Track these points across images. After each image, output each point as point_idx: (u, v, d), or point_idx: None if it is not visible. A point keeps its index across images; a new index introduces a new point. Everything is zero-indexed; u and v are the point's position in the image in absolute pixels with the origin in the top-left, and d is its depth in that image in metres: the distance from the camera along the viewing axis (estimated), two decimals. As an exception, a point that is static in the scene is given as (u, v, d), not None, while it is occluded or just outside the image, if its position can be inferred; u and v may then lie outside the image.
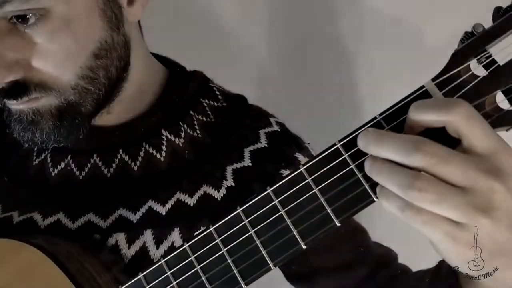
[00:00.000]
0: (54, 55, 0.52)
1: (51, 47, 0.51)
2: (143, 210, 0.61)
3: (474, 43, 0.41)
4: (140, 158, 0.63)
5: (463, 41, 0.42)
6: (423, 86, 0.42)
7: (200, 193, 0.62)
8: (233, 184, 0.62)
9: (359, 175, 0.42)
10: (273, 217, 0.44)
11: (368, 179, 0.41)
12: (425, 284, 0.57)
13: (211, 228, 0.46)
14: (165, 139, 0.63)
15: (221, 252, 0.45)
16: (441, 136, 0.39)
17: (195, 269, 0.46)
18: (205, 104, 0.67)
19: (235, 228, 0.45)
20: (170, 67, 0.70)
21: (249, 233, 0.45)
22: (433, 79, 0.42)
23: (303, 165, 0.44)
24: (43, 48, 0.51)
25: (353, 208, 0.42)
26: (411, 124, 0.40)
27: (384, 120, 0.42)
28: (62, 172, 0.64)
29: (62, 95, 0.54)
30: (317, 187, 0.43)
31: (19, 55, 0.51)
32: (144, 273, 0.48)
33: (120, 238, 0.60)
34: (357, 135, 0.42)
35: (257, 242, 0.44)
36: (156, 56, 0.70)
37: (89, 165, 0.63)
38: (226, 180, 0.62)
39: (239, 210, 0.45)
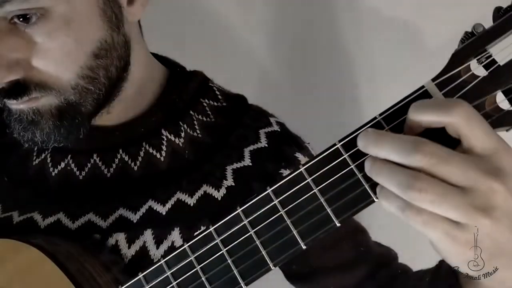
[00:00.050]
0: (54, 55, 0.52)
1: (51, 46, 0.51)
2: (143, 210, 0.61)
3: (474, 43, 0.41)
4: (140, 158, 0.63)
5: (463, 41, 0.42)
6: (423, 86, 0.42)
7: (200, 193, 0.62)
8: (233, 184, 0.62)
9: (359, 175, 0.42)
10: (273, 217, 0.44)
11: (368, 179, 0.41)
12: (425, 283, 0.57)
13: (211, 228, 0.46)
14: (165, 139, 0.64)
15: (221, 252, 0.45)
16: (441, 137, 0.39)
17: (195, 269, 0.46)
18: (205, 104, 0.67)
19: (235, 228, 0.45)
20: (170, 67, 0.70)
21: (249, 233, 0.45)
22: (433, 79, 0.42)
23: (303, 165, 0.44)
24: (43, 48, 0.51)
25: (353, 208, 0.42)
26: (411, 125, 0.40)
27: (384, 120, 0.42)
28: (62, 172, 0.64)
29: (62, 94, 0.54)
30: (317, 187, 0.43)
31: (19, 55, 0.51)
32: (144, 273, 0.48)
33: (120, 238, 0.60)
34: (357, 135, 0.42)
35: (257, 242, 0.44)
36: (156, 56, 0.70)
37: (89, 165, 0.63)
38: (226, 180, 0.62)
39: (239, 210, 0.45)
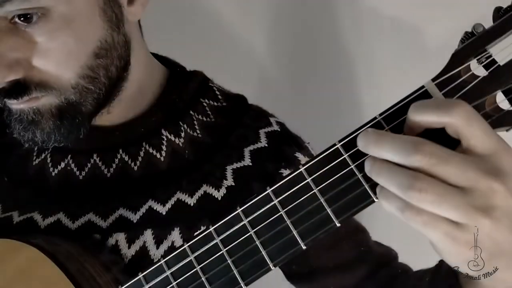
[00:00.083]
0: (54, 54, 0.51)
1: (51, 46, 0.51)
2: (143, 210, 0.61)
3: (474, 43, 0.41)
4: (140, 158, 0.63)
5: (463, 41, 0.42)
6: (423, 86, 0.42)
7: (200, 192, 0.62)
8: (233, 184, 0.62)
9: (359, 176, 0.42)
10: (273, 218, 0.44)
11: (368, 179, 0.41)
12: (425, 283, 0.57)
13: (211, 228, 0.46)
14: (165, 139, 0.63)
15: (221, 252, 0.45)
16: (441, 137, 0.39)
17: (195, 269, 0.46)
18: (205, 104, 0.67)
19: (235, 228, 0.45)
20: (170, 67, 0.70)
21: (249, 234, 0.45)
22: (433, 79, 0.42)
23: (303, 165, 0.44)
24: (43, 48, 0.51)
25: (353, 209, 0.42)
26: (411, 125, 0.40)
27: (384, 120, 0.42)
28: (62, 172, 0.64)
29: (63, 94, 0.54)
30: (317, 187, 0.43)
31: (20, 54, 0.50)
32: (144, 273, 0.48)
33: (120, 238, 0.60)
34: (357, 135, 0.42)
35: (257, 242, 0.44)
36: (156, 56, 0.70)
37: (89, 165, 0.63)
38: (226, 179, 0.62)
39: (239, 210, 0.45)
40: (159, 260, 0.47)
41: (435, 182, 0.37)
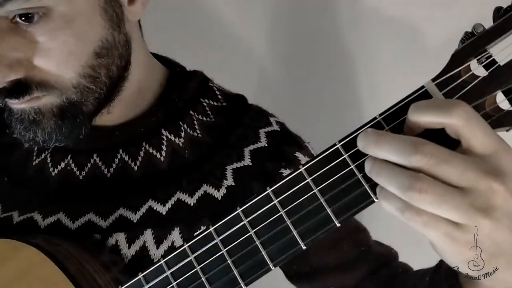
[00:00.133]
0: (55, 54, 0.51)
1: (52, 45, 0.51)
2: (143, 209, 0.61)
3: (474, 43, 0.41)
4: (140, 158, 0.63)
5: (463, 41, 0.42)
6: (423, 86, 0.42)
7: (200, 192, 0.62)
8: (233, 184, 0.62)
9: (359, 176, 0.42)
10: (273, 218, 0.44)
11: (368, 179, 0.41)
12: (425, 283, 0.57)
13: (211, 229, 0.46)
14: (165, 139, 0.64)
15: (221, 252, 0.45)
16: (441, 137, 0.39)
17: (195, 269, 0.46)
18: (205, 104, 0.67)
19: (235, 229, 0.45)
20: (170, 67, 0.70)
21: (249, 234, 0.45)
22: (433, 79, 0.42)
23: (303, 165, 0.44)
24: (44, 47, 0.51)
25: (353, 209, 0.42)
26: (411, 125, 0.40)
27: (384, 120, 0.42)
28: (62, 172, 0.64)
29: (64, 94, 0.54)
30: (317, 187, 0.43)
31: (21, 54, 0.50)
32: (144, 273, 0.48)
33: (120, 238, 0.60)
34: (357, 135, 0.42)
35: (257, 242, 0.44)
36: (156, 56, 0.70)
37: (89, 165, 0.63)
38: (226, 179, 0.62)
39: (239, 210, 0.45)
40: (159, 260, 0.47)
41: (435, 183, 0.37)
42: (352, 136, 0.43)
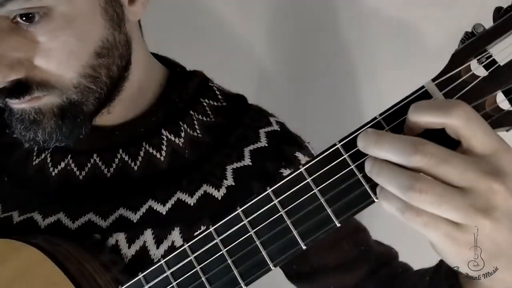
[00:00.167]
0: (56, 54, 0.51)
1: (53, 45, 0.51)
2: (143, 209, 0.61)
3: (475, 43, 0.41)
4: (140, 158, 0.63)
5: (463, 41, 0.42)
6: (423, 87, 0.42)
7: (200, 192, 0.62)
8: (233, 184, 0.62)
9: (359, 176, 0.42)
10: (273, 218, 0.44)
11: (368, 179, 0.41)
12: (425, 283, 0.57)
13: (211, 229, 0.46)
14: (165, 139, 0.64)
15: (221, 252, 0.45)
16: (441, 137, 0.39)
17: (195, 269, 0.46)
18: (205, 103, 0.67)
19: (235, 228, 0.45)
20: (170, 67, 0.70)
21: (249, 234, 0.45)
22: (433, 79, 0.42)
23: (303, 165, 0.44)
24: (45, 47, 0.51)
25: (353, 209, 0.42)
26: (411, 125, 0.40)
27: (384, 121, 0.42)
28: (62, 172, 0.64)
29: (64, 94, 0.53)
30: (317, 187, 0.43)
31: (21, 54, 0.50)
32: (144, 273, 0.48)
33: (120, 238, 0.60)
34: (357, 136, 0.42)
35: (257, 242, 0.44)
36: (156, 56, 0.70)
37: (89, 165, 0.63)
38: (226, 179, 0.62)
39: (239, 210, 0.45)
40: (159, 260, 0.47)
41: (435, 183, 0.37)
42: (352, 136, 0.43)
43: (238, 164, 0.63)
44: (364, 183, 0.42)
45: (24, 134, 0.55)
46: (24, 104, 0.53)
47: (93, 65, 0.54)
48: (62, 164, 0.64)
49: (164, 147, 0.63)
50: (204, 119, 0.65)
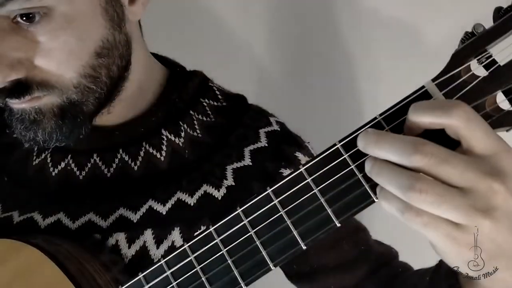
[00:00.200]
0: (56, 54, 0.51)
1: (53, 45, 0.51)
2: (143, 209, 0.61)
3: (475, 43, 0.41)
4: (140, 158, 0.63)
5: (463, 41, 0.42)
6: (423, 87, 0.42)
7: (200, 192, 0.62)
8: (233, 184, 0.62)
9: (359, 176, 0.42)
10: (273, 218, 0.44)
11: (368, 179, 0.41)
12: (425, 282, 0.57)
13: (211, 229, 0.46)
14: (165, 139, 0.64)
15: (221, 252, 0.45)
16: (442, 137, 0.39)
17: (195, 269, 0.46)
18: (205, 103, 0.67)
19: (235, 228, 0.45)
20: (170, 67, 0.70)
21: (249, 234, 0.45)
22: (433, 80, 0.42)
23: (303, 165, 0.44)
24: (45, 47, 0.51)
25: (353, 209, 0.42)
26: (410, 126, 0.40)
27: (384, 121, 0.42)
28: (62, 172, 0.64)
29: (65, 93, 0.53)
30: (317, 187, 0.43)
31: (22, 54, 0.50)
32: (144, 273, 0.48)
33: (120, 238, 0.60)
34: (357, 136, 0.42)
35: (257, 242, 0.44)
36: (156, 56, 0.70)
37: (89, 165, 0.63)
38: (226, 179, 0.62)
39: (239, 210, 0.45)
40: (159, 260, 0.47)
41: (435, 183, 0.37)
42: (352, 136, 0.43)
43: (238, 164, 0.63)
44: (364, 183, 0.42)
45: (24, 134, 0.55)
46: (24, 104, 0.53)
47: (93, 65, 0.54)
48: (62, 164, 0.64)
49: (164, 147, 0.63)
50: (204, 119, 0.65)
